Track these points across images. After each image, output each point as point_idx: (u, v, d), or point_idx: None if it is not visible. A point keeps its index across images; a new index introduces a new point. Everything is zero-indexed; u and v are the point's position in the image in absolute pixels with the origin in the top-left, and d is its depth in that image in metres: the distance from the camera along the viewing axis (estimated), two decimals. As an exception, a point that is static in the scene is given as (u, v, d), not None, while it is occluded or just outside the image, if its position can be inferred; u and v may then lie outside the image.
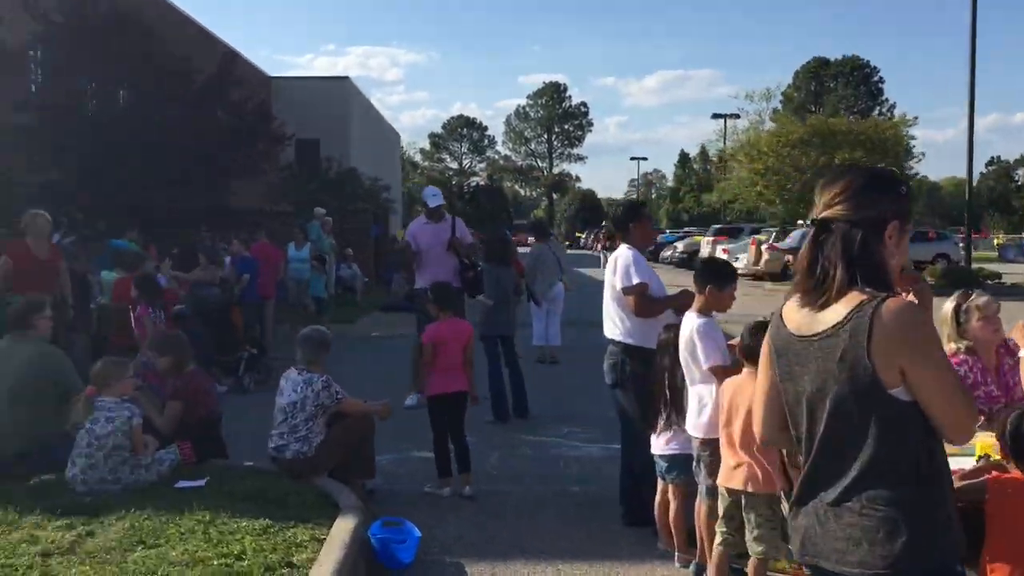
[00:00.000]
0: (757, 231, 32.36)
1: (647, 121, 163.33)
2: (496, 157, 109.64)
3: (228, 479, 5.53)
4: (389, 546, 4.63)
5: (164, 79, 19.11)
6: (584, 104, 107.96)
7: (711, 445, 4.15)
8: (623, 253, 5.20)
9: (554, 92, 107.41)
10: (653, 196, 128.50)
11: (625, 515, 5.30)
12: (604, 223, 40.50)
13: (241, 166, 19.94)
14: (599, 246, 39.60)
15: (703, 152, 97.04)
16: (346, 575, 4.17)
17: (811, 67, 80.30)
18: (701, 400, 4.23)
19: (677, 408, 4.52)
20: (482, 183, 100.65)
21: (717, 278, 4.36)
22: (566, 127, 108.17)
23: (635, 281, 5.05)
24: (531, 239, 15.44)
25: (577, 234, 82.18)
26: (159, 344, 6.18)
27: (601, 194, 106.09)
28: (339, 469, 5.86)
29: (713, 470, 4.11)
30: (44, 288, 7.51)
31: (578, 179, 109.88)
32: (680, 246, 40.37)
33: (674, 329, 4.72)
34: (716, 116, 55.74)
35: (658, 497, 4.82)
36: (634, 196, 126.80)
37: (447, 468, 5.98)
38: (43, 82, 19.16)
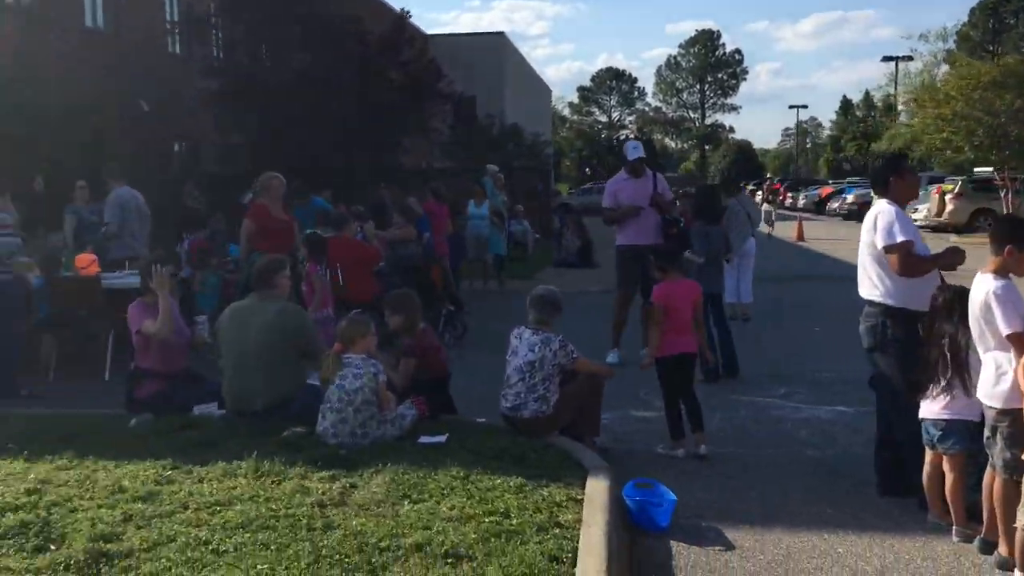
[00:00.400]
0: (937, 180, 30.52)
1: (801, 67, 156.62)
2: (646, 109, 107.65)
3: (466, 436, 5.61)
4: (647, 508, 4.57)
5: (338, 41, 19.60)
6: (738, 51, 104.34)
7: (1011, 415, 3.86)
8: (884, 209, 4.89)
9: (707, 40, 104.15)
10: (808, 145, 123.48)
11: (880, 485, 5.05)
12: (767, 176, 39.30)
13: (412, 125, 20.27)
14: (763, 201, 38.29)
15: (867, 98, 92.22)
16: (614, 537, 4.14)
17: (989, 3, 74.60)
18: (999, 367, 3.93)
19: (959, 374, 4.24)
20: (631, 136, 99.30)
21: (1021, 238, 4.02)
22: (719, 76, 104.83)
23: (899, 239, 4.74)
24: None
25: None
26: (392, 303, 6.30)
27: (754, 145, 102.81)
28: (567, 427, 5.87)
29: (1015, 442, 3.82)
30: (282, 248, 7.81)
31: (731, 130, 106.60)
32: (850, 197, 38.55)
33: (949, 290, 4.42)
34: (887, 59, 52.65)
35: (927, 468, 4.56)
36: (788, 146, 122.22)
37: (680, 429, 5.88)
38: (225, 48, 19.94)
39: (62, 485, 4.60)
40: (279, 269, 6.15)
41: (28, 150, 13.16)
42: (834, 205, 40.71)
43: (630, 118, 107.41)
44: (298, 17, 18.99)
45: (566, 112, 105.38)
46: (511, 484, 4.67)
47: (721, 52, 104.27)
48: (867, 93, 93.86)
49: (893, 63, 53.28)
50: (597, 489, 4.66)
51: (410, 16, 20.13)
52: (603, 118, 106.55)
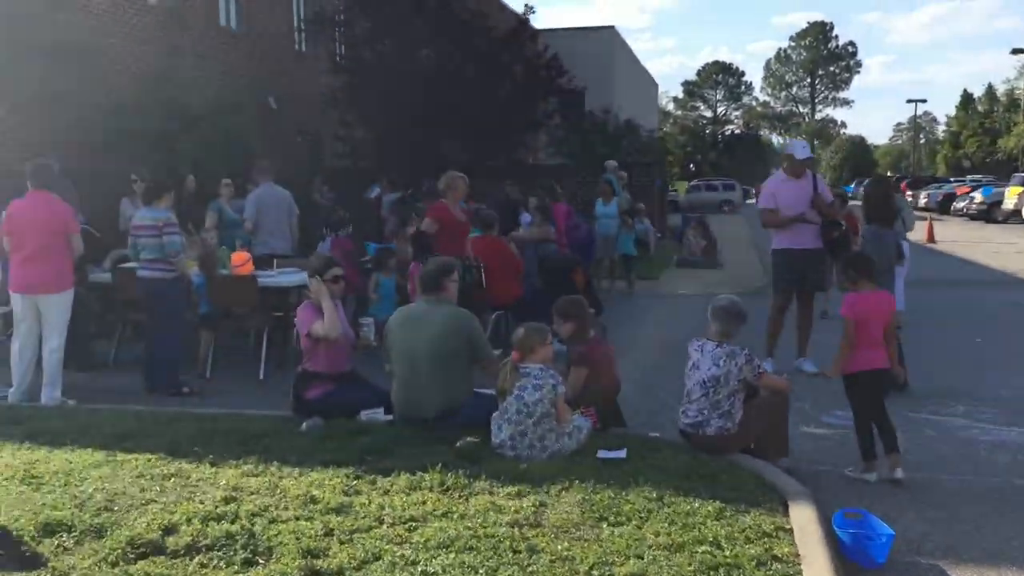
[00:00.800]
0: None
1: (914, 60, 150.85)
2: (753, 104, 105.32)
3: (645, 451, 5.39)
4: (862, 542, 4.26)
5: (465, 37, 19.61)
6: (852, 44, 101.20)
7: None
8: None
9: (819, 32, 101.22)
10: (922, 141, 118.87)
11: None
12: (889, 174, 37.70)
13: (536, 121, 20.14)
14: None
15: (989, 92, 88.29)
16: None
17: None
18: None
19: None
20: (737, 131, 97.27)
21: None
22: (831, 69, 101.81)
23: None
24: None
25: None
26: (562, 309, 6.11)
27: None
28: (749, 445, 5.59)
29: None
30: (458, 250, 7.76)
31: (843, 125, 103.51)
32: (978, 196, 36.79)
33: None
34: (1017, 51, 50.00)
35: None
36: (899, 142, 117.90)
37: (872, 451, 5.52)
38: (351, 45, 20.16)
39: (254, 493, 4.56)
40: (449, 272, 6.04)
41: (172, 148, 13.48)
42: (960, 205, 38.91)
43: (736, 113, 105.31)
44: (425, 12, 19.10)
45: (670, 107, 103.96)
46: (710, 509, 4.43)
47: (834, 44, 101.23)
48: (990, 87, 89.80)
49: (1021, 55, 50.65)
50: (806, 518, 4.38)
51: (533, 12, 19.95)
52: (708, 113, 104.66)
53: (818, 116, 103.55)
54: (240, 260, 8.61)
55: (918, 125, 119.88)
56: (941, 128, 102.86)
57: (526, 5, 21.05)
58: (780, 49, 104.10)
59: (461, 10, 19.52)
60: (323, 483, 4.74)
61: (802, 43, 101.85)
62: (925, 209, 43.41)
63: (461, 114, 19.04)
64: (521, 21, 20.33)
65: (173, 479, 4.76)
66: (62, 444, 5.41)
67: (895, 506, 5.06)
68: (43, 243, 7.20)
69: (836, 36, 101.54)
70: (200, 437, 5.62)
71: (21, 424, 5.96)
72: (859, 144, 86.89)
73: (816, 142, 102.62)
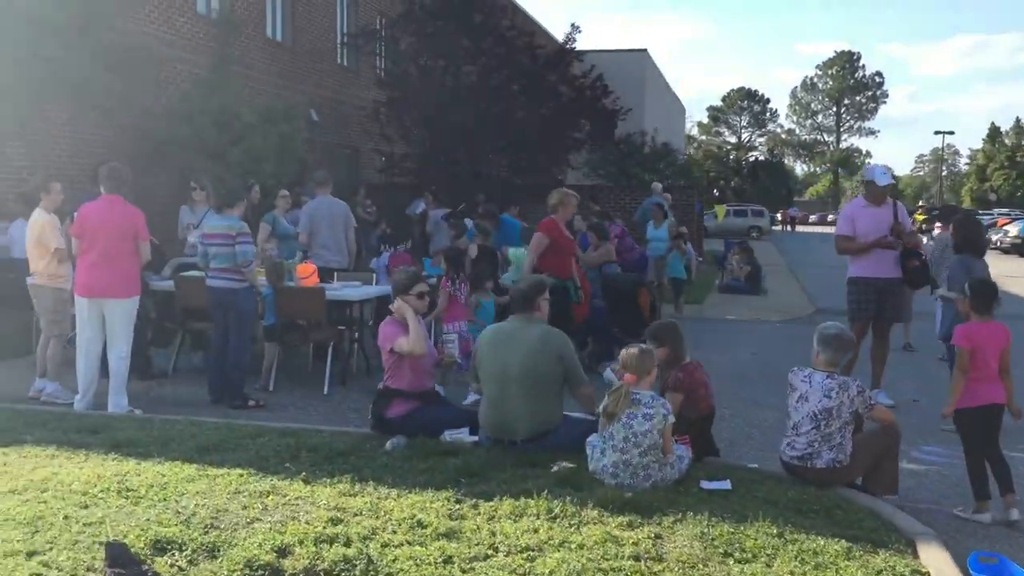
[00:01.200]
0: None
1: (939, 92, 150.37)
2: (778, 131, 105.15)
3: (749, 483, 5.19)
4: (1004, 589, 4.03)
5: (509, 55, 19.56)
6: (879, 74, 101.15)
7: None
8: None
9: (845, 61, 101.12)
10: (944, 173, 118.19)
11: None
12: (920, 204, 37.31)
13: (580, 140, 20.03)
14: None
15: (1017, 126, 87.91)
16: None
17: None
18: None
19: None
20: (761, 158, 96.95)
21: None
22: (857, 99, 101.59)
23: None
24: (938, 225, 14.19)
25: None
26: (656, 333, 5.92)
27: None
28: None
29: None
30: (565, 268, 7.62)
31: (868, 154, 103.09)
32: (1013, 229, 36.42)
33: None
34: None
35: None
36: (921, 173, 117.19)
37: (986, 490, 5.29)
38: (394, 60, 20.14)
39: (359, 515, 4.37)
40: (541, 291, 5.87)
41: (228, 158, 13.42)
42: (994, 238, 38.51)
43: (760, 139, 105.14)
44: (471, 29, 19.07)
45: (694, 131, 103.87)
46: (838, 548, 4.21)
47: (860, 74, 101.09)
48: (1017, 121, 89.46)
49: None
50: (942, 562, 4.16)
51: (579, 31, 19.91)
52: (732, 139, 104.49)
53: (843, 145, 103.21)
54: (306, 272, 8.48)
55: (940, 157, 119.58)
56: (963, 161, 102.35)
57: (572, 25, 20.92)
58: (807, 77, 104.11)
59: (506, 28, 19.48)
60: (426, 506, 4.54)
61: (829, 72, 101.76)
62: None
63: (505, 131, 18.99)
64: (567, 39, 20.22)
65: (271, 496, 4.58)
66: (148, 456, 5.24)
67: (1018, 549, 4.83)
68: (112, 247, 7.08)
69: (863, 66, 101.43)
70: (286, 453, 5.45)
71: (98, 433, 5.81)
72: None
73: (840, 171, 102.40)
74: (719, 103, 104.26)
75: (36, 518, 4.08)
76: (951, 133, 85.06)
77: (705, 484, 5.09)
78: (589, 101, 19.83)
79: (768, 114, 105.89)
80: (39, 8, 9.04)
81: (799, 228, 69.03)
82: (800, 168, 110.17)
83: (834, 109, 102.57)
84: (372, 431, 6.15)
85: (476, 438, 5.87)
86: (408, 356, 5.99)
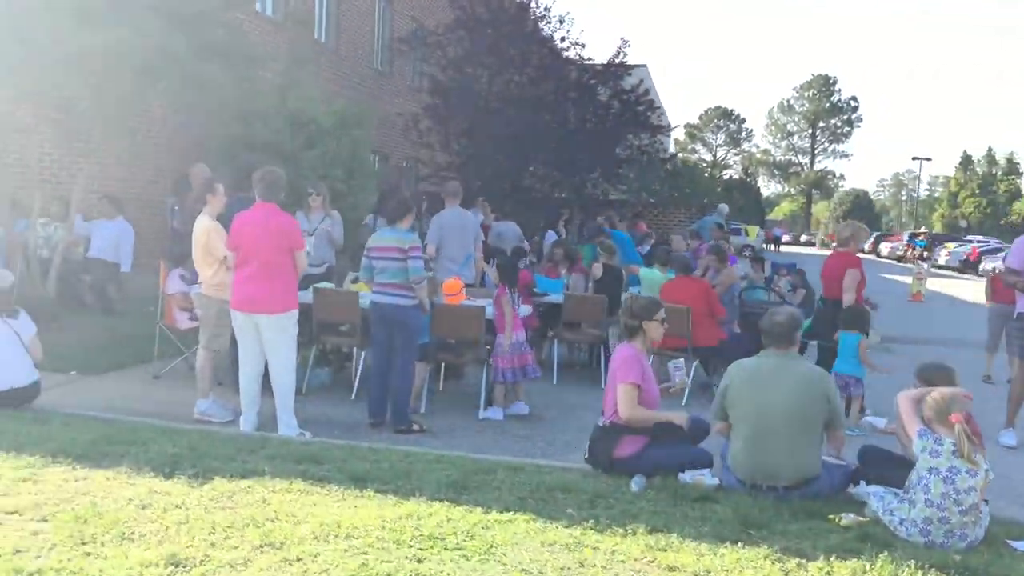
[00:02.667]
0: None
1: (909, 116, 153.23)
2: (754, 150, 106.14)
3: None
4: None
5: (557, 66, 19.29)
6: (854, 99, 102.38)
7: None
8: None
9: (822, 85, 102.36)
10: (903, 199, 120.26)
11: None
12: (923, 229, 37.61)
13: (628, 155, 19.77)
14: (915, 258, 36.73)
15: (989, 155, 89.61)
16: None
17: None
18: None
19: None
20: (736, 176, 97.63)
21: None
22: (832, 122, 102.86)
23: None
24: None
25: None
26: (927, 375, 5.58)
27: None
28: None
29: None
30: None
31: (842, 177, 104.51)
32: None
33: None
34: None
35: None
36: (881, 197, 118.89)
37: None
38: (442, 68, 19.74)
39: (631, 560, 3.99)
40: (799, 326, 5.53)
41: (301, 161, 12.93)
42: (989, 266, 38.84)
43: (736, 158, 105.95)
44: (521, 36, 18.77)
45: (671, 147, 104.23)
46: None
47: (836, 98, 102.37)
48: (989, 150, 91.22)
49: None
50: None
51: (629, 45, 19.69)
52: (708, 156, 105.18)
53: (817, 167, 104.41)
54: (454, 289, 8.05)
55: (900, 182, 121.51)
56: (924, 187, 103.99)
57: (622, 38, 20.69)
58: (784, 99, 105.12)
59: (559, 39, 19.23)
60: (755, 564, 4.17)
61: (805, 94, 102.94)
62: (947, 268, 43.43)
63: (552, 142, 18.70)
64: (618, 52, 19.98)
65: (588, 550, 4.18)
66: (400, 492, 4.81)
67: None
68: (270, 259, 6.61)
69: (839, 89, 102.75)
70: (538, 493, 5.04)
71: (322, 463, 5.35)
72: (862, 198, 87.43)
73: (815, 192, 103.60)
74: (696, 120, 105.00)
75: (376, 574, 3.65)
76: (928, 159, 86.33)
77: (1016, 544, 4.77)
78: (636, 115, 19.57)
79: (744, 133, 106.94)
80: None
81: (782, 248, 69.54)
82: (773, 188, 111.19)
83: (809, 131, 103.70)
84: (590, 465, 5.78)
85: (717, 481, 5.51)
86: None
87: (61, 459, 5.11)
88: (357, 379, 8.23)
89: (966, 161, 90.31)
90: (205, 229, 6.97)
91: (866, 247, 65.15)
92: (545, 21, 19.34)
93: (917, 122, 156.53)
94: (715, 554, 4.28)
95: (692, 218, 22.21)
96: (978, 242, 49.24)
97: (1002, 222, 74.44)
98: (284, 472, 5.07)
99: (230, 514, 4.33)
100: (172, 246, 9.12)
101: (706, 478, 5.54)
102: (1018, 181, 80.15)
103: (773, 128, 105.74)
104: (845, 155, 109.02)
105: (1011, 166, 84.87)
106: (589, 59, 19.73)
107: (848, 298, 8.20)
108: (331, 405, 7.79)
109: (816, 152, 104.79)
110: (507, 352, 7.72)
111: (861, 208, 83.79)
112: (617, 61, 19.93)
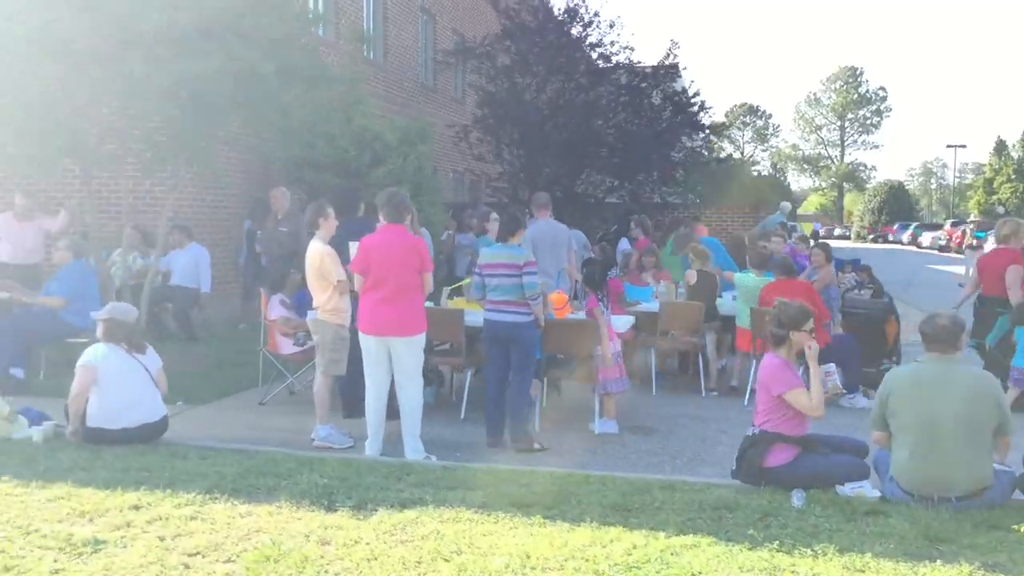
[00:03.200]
0: None
1: (939, 103, 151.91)
2: (781, 146, 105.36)
3: None
4: None
5: (607, 71, 19.17)
6: (883, 88, 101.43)
7: None
8: None
9: (849, 76, 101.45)
10: (933, 187, 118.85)
11: None
12: (973, 218, 36.99)
13: (684, 157, 19.58)
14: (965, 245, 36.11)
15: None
16: None
17: None
18: None
19: None
20: (764, 173, 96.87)
21: None
22: (861, 112, 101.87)
23: None
24: None
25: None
26: None
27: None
28: None
29: None
30: None
31: (874, 168, 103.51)
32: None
33: None
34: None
35: None
36: (911, 186, 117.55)
37: None
38: (491, 78, 19.69)
39: None
40: (963, 328, 5.36)
41: (368, 179, 12.90)
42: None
43: (764, 154, 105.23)
44: (570, 42, 18.66)
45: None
46: None
47: (864, 88, 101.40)
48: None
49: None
50: None
51: (679, 46, 19.53)
52: (736, 154, 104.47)
53: (847, 159, 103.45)
54: (561, 303, 7.94)
55: (928, 169, 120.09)
56: (955, 175, 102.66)
57: (672, 40, 20.50)
58: (810, 93, 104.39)
59: (608, 43, 19.11)
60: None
61: (832, 87, 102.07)
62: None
63: (606, 147, 18.57)
64: (668, 54, 19.80)
65: (788, 574, 4.04)
66: (572, 519, 4.70)
67: None
68: (402, 281, 6.55)
69: (867, 80, 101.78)
70: (702, 514, 4.91)
71: (473, 489, 5.25)
72: (897, 188, 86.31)
73: (846, 186, 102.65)
74: (722, 118, 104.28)
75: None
76: (963, 147, 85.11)
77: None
78: (689, 117, 19.40)
79: (771, 129, 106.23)
80: (246, 23, 8.51)
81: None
82: (804, 182, 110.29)
83: (838, 123, 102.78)
84: (738, 480, 5.64)
85: (878, 493, 5.36)
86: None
87: (217, 494, 5.05)
88: (465, 399, 8.13)
89: (1000, 147, 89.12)
90: (319, 253, 6.91)
91: (904, 238, 64.46)
92: (594, 26, 19.19)
93: (948, 110, 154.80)
94: (916, 573, 4.13)
95: (745, 218, 21.98)
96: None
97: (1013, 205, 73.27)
98: (443, 500, 4.98)
99: (413, 548, 4.24)
100: (270, 271, 9.08)
101: (866, 490, 5.40)
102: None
103: (801, 122, 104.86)
104: (875, 146, 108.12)
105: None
106: (639, 62, 19.56)
107: (1015, 294, 8.07)
108: (441, 425, 7.68)
109: (846, 144, 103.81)
110: (610, 364, 7.60)
111: (896, 199, 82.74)
112: (667, 63, 19.71)
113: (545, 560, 4.06)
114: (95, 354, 6.12)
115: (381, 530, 4.49)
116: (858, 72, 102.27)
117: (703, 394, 9.19)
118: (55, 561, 4.06)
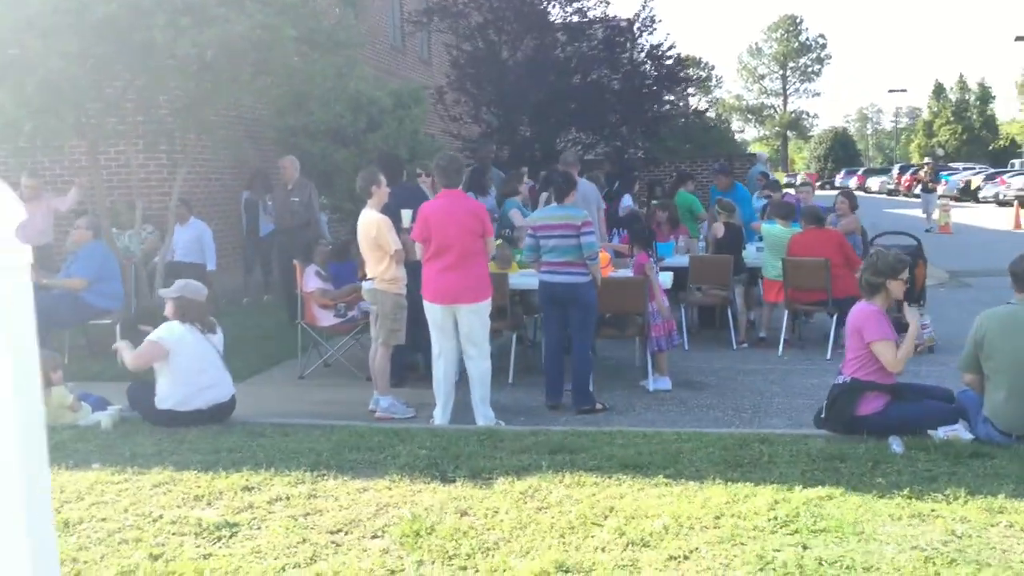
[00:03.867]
0: None
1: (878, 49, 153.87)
2: (726, 96, 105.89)
3: None
4: None
5: (582, 26, 19.03)
6: (822, 36, 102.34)
7: None
8: None
9: (789, 25, 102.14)
10: (869, 132, 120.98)
11: None
12: (928, 160, 37.57)
13: (665, 115, 19.58)
14: (919, 185, 36.69)
15: (961, 82, 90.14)
16: None
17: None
18: None
19: None
20: (709, 125, 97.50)
21: None
22: (802, 61, 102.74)
23: None
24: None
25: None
26: None
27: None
28: None
29: None
30: None
31: (816, 116, 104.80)
32: (1016, 183, 36.93)
33: None
34: (1021, 39, 50.55)
35: None
36: (849, 133, 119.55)
37: None
38: (466, 37, 19.41)
39: (991, 527, 3.91)
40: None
41: (365, 144, 12.66)
42: (989, 193, 39.18)
43: (708, 106, 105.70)
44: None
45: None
46: None
47: (804, 37, 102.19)
48: (961, 76, 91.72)
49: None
50: None
51: None
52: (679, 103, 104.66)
53: (789, 108, 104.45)
54: (603, 261, 7.89)
55: (863, 115, 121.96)
56: (887, 118, 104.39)
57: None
58: (752, 43, 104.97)
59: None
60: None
61: (773, 36, 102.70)
62: (943, 196, 43.61)
63: (586, 103, 18.48)
64: (641, 10, 19.69)
65: (939, 520, 4.08)
66: (694, 477, 4.70)
67: None
68: (466, 247, 6.45)
69: (807, 28, 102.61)
70: (814, 465, 4.94)
71: (576, 452, 5.21)
72: (841, 135, 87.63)
73: (790, 134, 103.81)
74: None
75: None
76: (903, 91, 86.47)
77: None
78: (669, 72, 19.36)
79: (714, 80, 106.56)
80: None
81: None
82: (750, 132, 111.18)
83: (780, 72, 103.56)
84: (823, 428, 5.70)
85: (970, 435, 5.45)
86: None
87: (324, 471, 4.95)
88: (512, 363, 8.07)
89: (939, 90, 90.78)
90: (374, 222, 6.76)
91: (852, 183, 65.44)
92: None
93: (885, 57, 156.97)
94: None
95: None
96: (964, 168, 49.70)
97: (991, 147, 74.99)
98: (555, 465, 4.93)
99: (558, 514, 4.20)
100: (304, 244, 8.87)
101: (960, 432, 5.48)
102: (992, 106, 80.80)
103: (744, 72, 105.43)
104: (816, 94, 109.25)
105: (984, 92, 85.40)
106: (615, 17, 19.45)
107: None
108: (494, 391, 7.63)
109: (788, 93, 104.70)
110: (659, 320, 7.62)
111: (842, 145, 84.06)
112: (643, 16, 19.62)
113: (697, 520, 4.05)
114: (170, 332, 5.92)
115: (512, 498, 4.44)
116: (798, 20, 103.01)
117: (734, 347, 9.24)
118: (197, 547, 3.95)
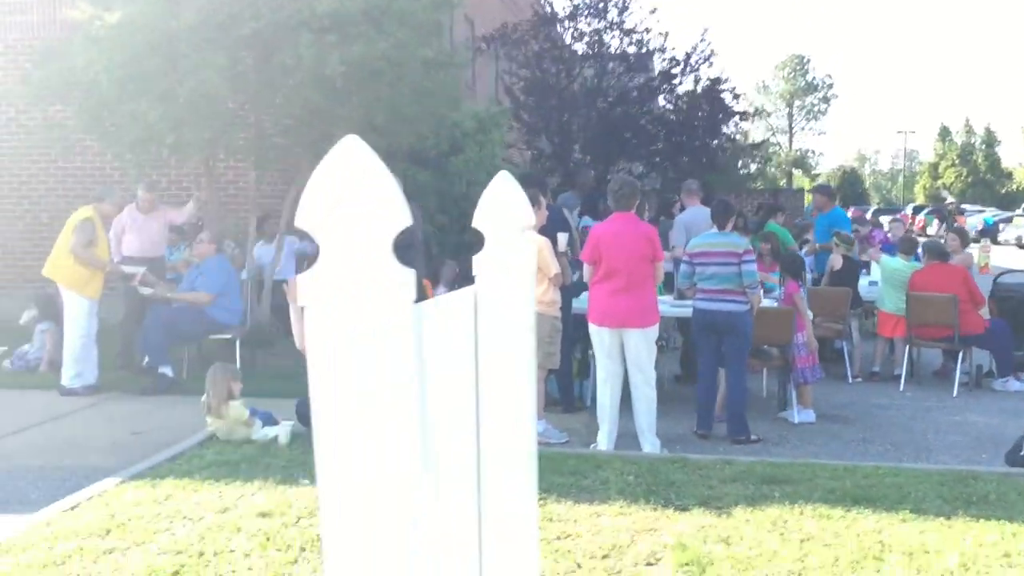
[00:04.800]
0: None
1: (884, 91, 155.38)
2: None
3: None
4: None
5: (643, 57, 19.13)
6: (829, 76, 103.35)
7: None
8: None
9: (796, 64, 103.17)
10: (867, 172, 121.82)
11: None
12: (950, 201, 37.75)
13: (720, 144, 19.65)
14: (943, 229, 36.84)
15: (967, 126, 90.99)
16: None
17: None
18: None
19: None
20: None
21: None
22: (808, 99, 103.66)
23: None
24: None
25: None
26: None
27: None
28: None
29: None
30: None
31: (822, 155, 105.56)
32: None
33: None
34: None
35: None
36: (854, 168, 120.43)
37: None
38: (523, 65, 19.49)
39: None
40: None
41: (447, 168, 12.63)
42: (1011, 235, 39.37)
43: (764, 138, 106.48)
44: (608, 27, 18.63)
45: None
46: None
47: (811, 76, 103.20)
48: (967, 120, 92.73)
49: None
50: None
51: (707, 31, 19.62)
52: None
53: (795, 146, 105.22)
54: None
55: (862, 156, 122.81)
56: (885, 160, 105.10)
57: (704, 28, 20.47)
58: (760, 80, 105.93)
59: (642, 30, 19.07)
60: None
61: (781, 74, 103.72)
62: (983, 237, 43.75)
63: (639, 132, 18.54)
64: (698, 42, 19.80)
65: None
66: (925, 512, 4.61)
67: None
68: (635, 271, 6.38)
69: (814, 68, 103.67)
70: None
71: (791, 484, 5.10)
72: (850, 174, 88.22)
73: (795, 171, 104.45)
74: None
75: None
76: (912, 132, 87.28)
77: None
78: (723, 104, 19.47)
79: (721, 115, 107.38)
80: (399, 4, 8.20)
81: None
82: (751, 169, 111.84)
83: (787, 110, 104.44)
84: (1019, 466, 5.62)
85: None
86: None
87: (541, 494, 4.82)
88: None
89: (944, 133, 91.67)
90: (536, 244, 6.67)
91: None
92: (628, 12, 19.09)
93: (893, 99, 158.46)
94: None
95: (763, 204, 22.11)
96: (977, 212, 50.04)
97: (1003, 191, 75.60)
98: (786, 497, 4.83)
99: (823, 547, 4.09)
100: (426, 263, 8.80)
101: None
102: (997, 150, 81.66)
103: (750, 109, 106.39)
104: (822, 133, 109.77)
105: (989, 136, 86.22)
106: (672, 49, 19.58)
107: None
108: (628, 419, 7.53)
109: (794, 131, 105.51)
110: (805, 352, 7.54)
111: (850, 184, 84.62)
112: (699, 50, 19.73)
113: (984, 556, 3.95)
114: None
115: (764, 528, 4.34)
116: (805, 60, 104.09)
117: (849, 381, 9.16)
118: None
